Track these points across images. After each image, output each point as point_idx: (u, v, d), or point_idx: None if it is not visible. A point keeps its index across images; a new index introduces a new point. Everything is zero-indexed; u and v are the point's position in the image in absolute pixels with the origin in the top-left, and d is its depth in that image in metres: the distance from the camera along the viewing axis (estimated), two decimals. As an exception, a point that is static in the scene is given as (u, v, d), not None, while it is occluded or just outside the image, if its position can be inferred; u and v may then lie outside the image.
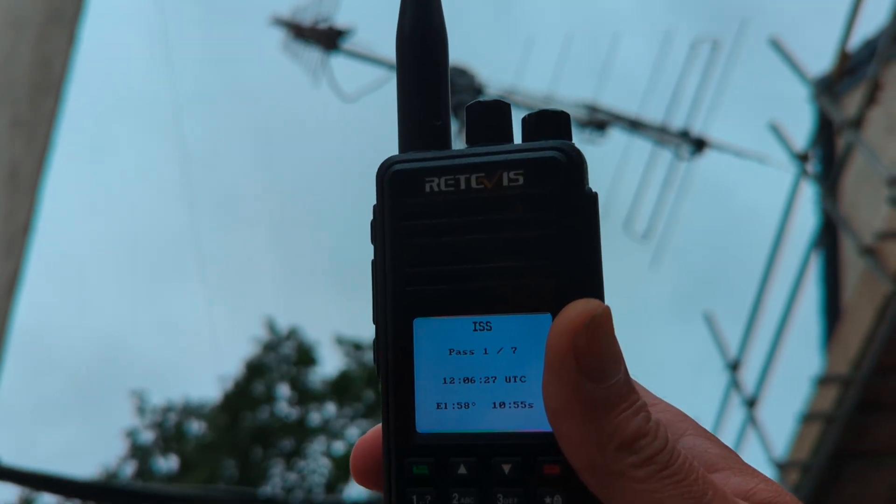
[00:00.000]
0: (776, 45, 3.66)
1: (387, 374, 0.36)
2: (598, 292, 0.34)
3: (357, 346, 13.51)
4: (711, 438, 0.36)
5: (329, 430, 13.36)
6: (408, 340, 0.35)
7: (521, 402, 0.34)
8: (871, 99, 3.13)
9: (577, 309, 0.32)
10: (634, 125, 4.74)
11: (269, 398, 13.38)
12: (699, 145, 4.70)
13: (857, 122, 3.22)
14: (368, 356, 13.43)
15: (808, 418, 3.70)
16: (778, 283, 3.98)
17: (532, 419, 0.34)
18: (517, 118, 0.38)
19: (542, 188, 0.34)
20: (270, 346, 13.64)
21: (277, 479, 13.06)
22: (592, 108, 4.79)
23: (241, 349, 13.33)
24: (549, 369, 0.32)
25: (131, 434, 13.33)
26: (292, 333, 13.74)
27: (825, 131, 4.31)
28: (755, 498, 0.33)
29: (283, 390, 13.55)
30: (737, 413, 4.21)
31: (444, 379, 0.35)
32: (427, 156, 0.37)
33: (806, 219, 4.05)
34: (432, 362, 0.35)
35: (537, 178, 0.35)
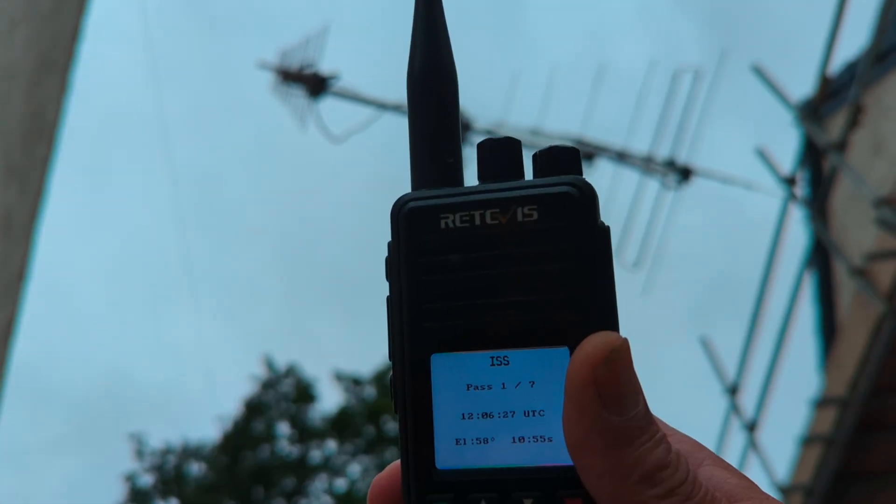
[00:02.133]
0: (759, 72, 3.71)
1: (405, 410, 0.36)
2: (614, 325, 0.34)
3: (356, 382, 13.43)
4: (729, 469, 0.36)
5: (330, 467, 13.22)
6: (425, 376, 0.36)
7: (541, 437, 0.34)
8: (853, 122, 3.16)
9: (597, 341, 0.32)
10: (621, 156, 4.79)
11: (269, 437, 13.26)
12: (685, 174, 4.74)
13: (842, 146, 3.25)
14: (368, 391, 13.36)
15: (808, 441, 3.69)
16: (773, 305, 4.00)
17: (552, 453, 0.34)
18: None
19: (556, 223, 0.35)
20: (269, 384, 13.55)
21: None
22: (579, 142, 4.84)
23: (240, 374, 13.27)
24: (569, 402, 0.32)
25: (130, 478, 13.19)
26: (290, 371, 13.67)
27: (812, 154, 4.35)
28: None
29: (283, 428, 13.44)
30: (737, 438, 4.19)
31: (463, 415, 0.35)
32: (441, 193, 0.37)
33: (798, 240, 4.07)
34: (450, 398, 0.35)
35: (551, 213, 0.35)
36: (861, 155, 4.00)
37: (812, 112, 3.60)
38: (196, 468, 13.32)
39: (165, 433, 13.45)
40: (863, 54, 3.33)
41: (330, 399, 14.19)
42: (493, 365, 0.35)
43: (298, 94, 5.13)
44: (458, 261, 0.36)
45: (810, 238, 3.92)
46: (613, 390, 0.31)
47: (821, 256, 4.76)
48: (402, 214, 0.37)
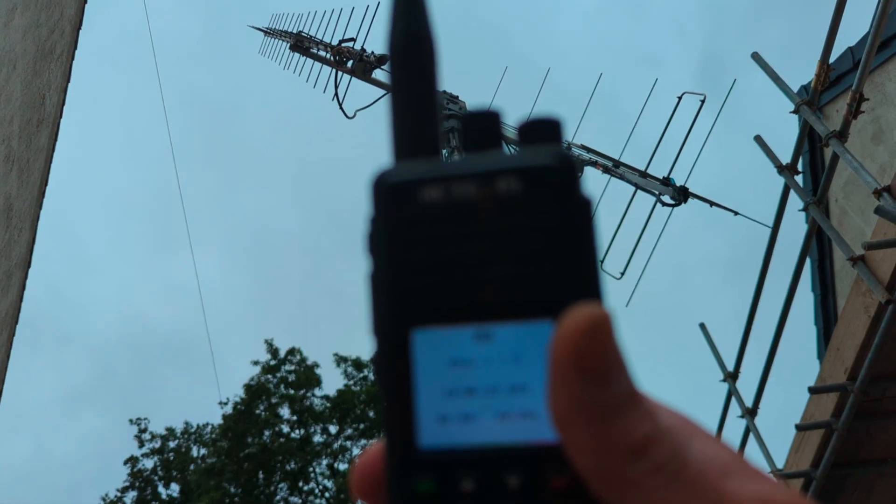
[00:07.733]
0: (759, 61, 3.70)
1: (386, 388, 0.35)
2: (597, 297, 0.33)
3: (357, 365, 13.50)
4: (719, 444, 0.34)
5: (332, 450, 13.31)
6: (406, 353, 0.35)
7: (527, 413, 0.33)
8: (854, 110, 3.16)
9: (579, 313, 0.31)
10: (616, 165, 4.80)
11: (271, 421, 13.34)
12: (683, 194, 4.74)
13: (842, 134, 3.25)
14: (369, 374, 13.42)
15: (806, 428, 3.71)
16: (772, 293, 4.01)
17: (538, 429, 0.33)
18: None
19: (537, 194, 0.34)
20: (271, 369, 13.61)
21: (282, 501, 12.99)
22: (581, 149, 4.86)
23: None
24: (551, 376, 0.31)
25: (133, 462, 13.28)
26: (292, 355, 13.72)
27: (812, 142, 4.35)
28: None
29: (285, 412, 13.52)
30: (736, 424, 4.22)
31: (446, 391, 0.34)
32: (421, 166, 0.36)
33: (798, 228, 4.08)
34: (432, 374, 0.34)
35: (532, 185, 0.34)
36: (861, 142, 4.00)
37: (812, 100, 3.60)
38: (198, 452, 13.41)
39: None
40: (863, 41, 3.32)
41: (331, 382, 14.23)
42: (476, 340, 0.34)
43: (318, 67, 5.14)
44: (438, 235, 0.35)
45: (810, 227, 3.92)
46: (596, 363, 0.30)
47: (820, 246, 4.77)
48: (381, 188, 0.36)
